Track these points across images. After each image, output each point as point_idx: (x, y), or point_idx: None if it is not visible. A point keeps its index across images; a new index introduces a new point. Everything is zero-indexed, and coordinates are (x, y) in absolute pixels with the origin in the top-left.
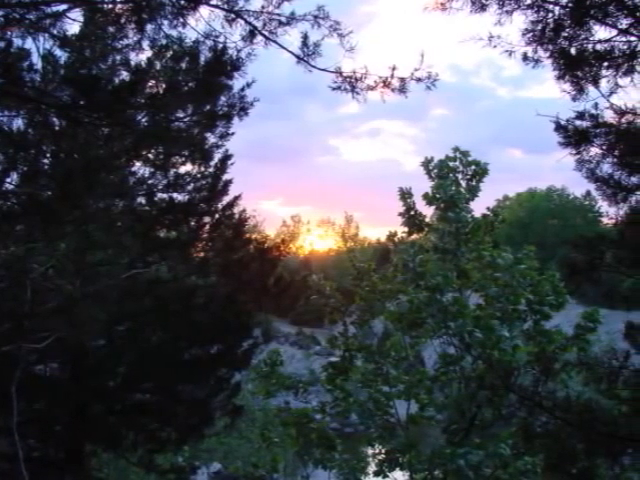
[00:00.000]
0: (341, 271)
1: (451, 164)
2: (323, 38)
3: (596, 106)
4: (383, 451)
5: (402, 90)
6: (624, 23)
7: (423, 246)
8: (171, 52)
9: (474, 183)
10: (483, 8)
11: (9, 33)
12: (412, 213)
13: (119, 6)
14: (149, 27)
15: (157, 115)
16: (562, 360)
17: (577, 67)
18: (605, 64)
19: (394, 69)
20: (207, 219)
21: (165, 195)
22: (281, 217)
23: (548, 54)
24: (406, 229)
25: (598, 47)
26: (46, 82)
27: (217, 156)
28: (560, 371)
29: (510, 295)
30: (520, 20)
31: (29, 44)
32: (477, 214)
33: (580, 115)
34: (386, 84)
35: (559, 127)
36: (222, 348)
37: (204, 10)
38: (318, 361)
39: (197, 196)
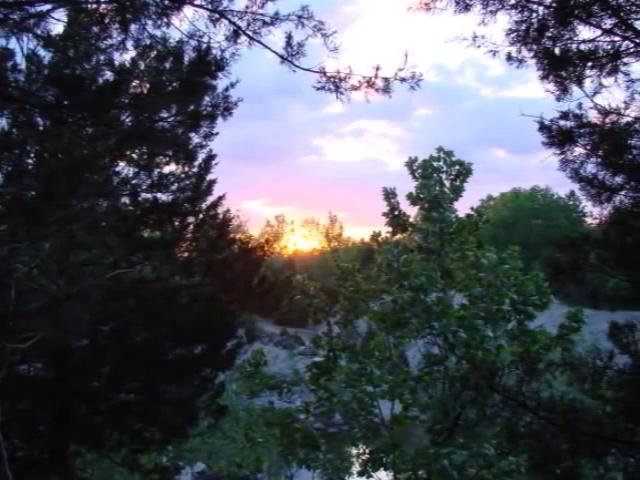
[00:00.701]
0: (325, 271)
1: (435, 164)
2: (307, 38)
3: (580, 106)
4: (367, 451)
5: (386, 90)
6: (608, 23)
7: (407, 246)
8: (155, 52)
9: (458, 183)
10: (467, 8)
11: None
12: (396, 213)
13: (103, 6)
14: (133, 27)
15: (141, 115)
16: (546, 360)
17: (561, 67)
18: (589, 64)
19: (378, 69)
20: (191, 219)
21: (149, 195)
22: (265, 217)
23: (532, 54)
24: (390, 229)
25: (582, 47)
26: (30, 82)
27: (201, 156)
28: (544, 371)
29: (494, 295)
30: (504, 20)
31: (13, 44)
32: (461, 214)
33: (564, 115)
34: (370, 84)
35: (543, 127)
36: (206, 348)
37: (188, 10)
38: (302, 361)
39: (181, 196)
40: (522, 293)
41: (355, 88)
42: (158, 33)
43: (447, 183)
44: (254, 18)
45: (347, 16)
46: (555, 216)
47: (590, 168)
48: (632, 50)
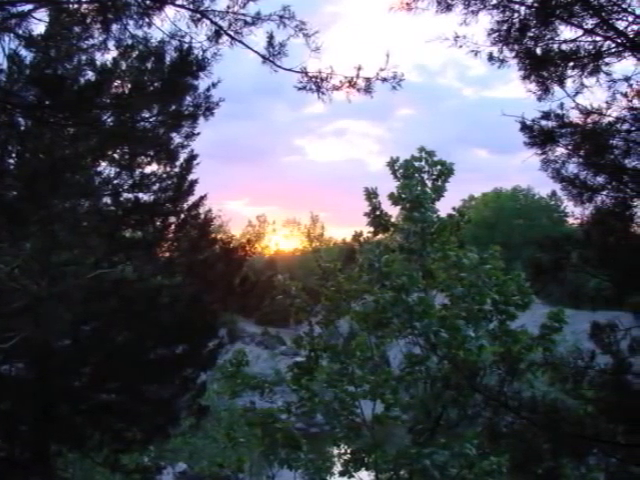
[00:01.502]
0: (307, 271)
1: (417, 164)
2: (289, 38)
3: (562, 106)
4: (349, 451)
5: (368, 90)
6: (590, 23)
7: (389, 246)
8: (137, 52)
9: (440, 183)
10: (449, 8)
11: None
12: (378, 213)
13: (85, 6)
14: (115, 27)
15: (123, 115)
16: (528, 360)
17: (543, 67)
18: (571, 64)
19: (360, 69)
20: (173, 219)
21: (131, 195)
22: (247, 217)
23: (514, 54)
24: (372, 229)
25: (564, 47)
26: (11, 82)
27: (183, 156)
28: (526, 371)
29: (476, 295)
30: (486, 20)
31: None
32: (443, 214)
33: (546, 115)
34: (352, 84)
35: (525, 127)
36: (188, 348)
37: (170, 10)
38: (284, 361)
39: (163, 196)
40: (504, 293)
41: (337, 88)
42: (140, 33)
43: (429, 183)
44: (236, 18)
45: (329, 16)
46: (537, 216)
47: (572, 168)
48: (614, 50)
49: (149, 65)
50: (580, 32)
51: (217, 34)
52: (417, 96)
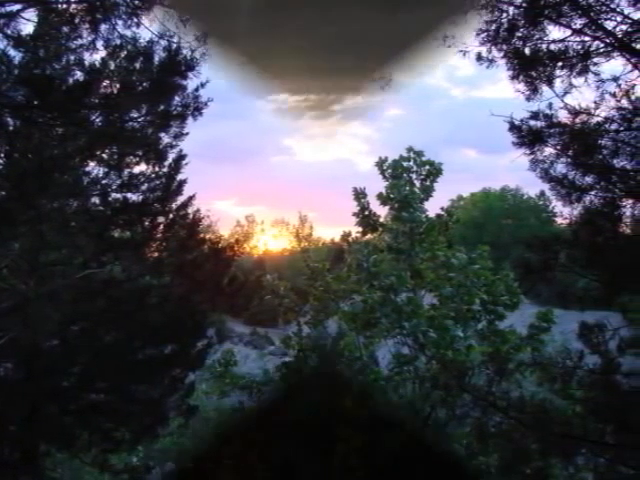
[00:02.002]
0: (295, 271)
1: (405, 164)
2: None
3: (550, 106)
4: None
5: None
6: (578, 23)
7: (377, 246)
8: (125, 52)
9: (428, 183)
10: None
11: None
12: (366, 213)
13: (73, 6)
14: (103, 27)
15: (111, 115)
16: (516, 360)
17: (531, 67)
18: (559, 64)
19: None
20: (161, 219)
21: (119, 195)
22: (235, 217)
23: (502, 54)
24: (360, 229)
25: (552, 47)
26: (0, 82)
27: (171, 156)
28: (514, 371)
29: (464, 295)
30: (475, 20)
31: None
32: (431, 214)
33: (534, 115)
34: None
35: (513, 127)
36: (176, 348)
37: (158, 10)
38: (272, 361)
39: (151, 196)
40: (492, 293)
41: None
42: (128, 33)
43: (417, 183)
44: None
45: None
46: (525, 216)
47: (560, 168)
48: (602, 50)
49: (138, 65)
50: (569, 32)
51: (205, 34)
52: (406, 96)
